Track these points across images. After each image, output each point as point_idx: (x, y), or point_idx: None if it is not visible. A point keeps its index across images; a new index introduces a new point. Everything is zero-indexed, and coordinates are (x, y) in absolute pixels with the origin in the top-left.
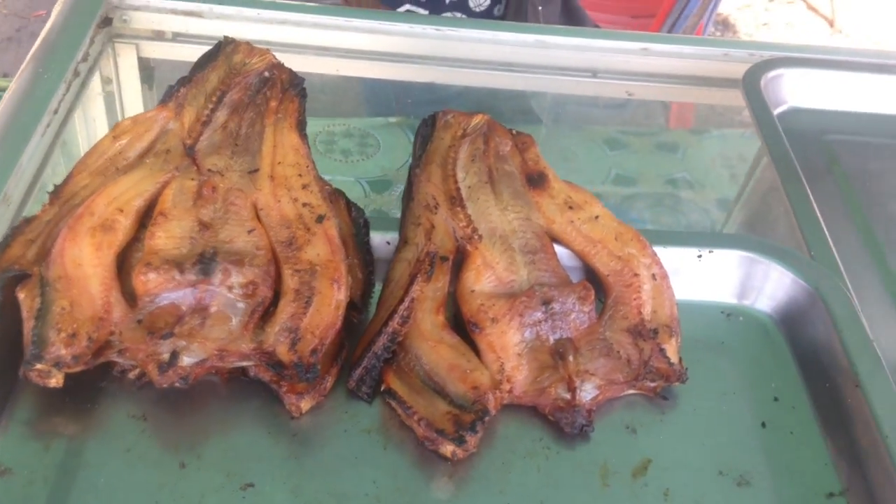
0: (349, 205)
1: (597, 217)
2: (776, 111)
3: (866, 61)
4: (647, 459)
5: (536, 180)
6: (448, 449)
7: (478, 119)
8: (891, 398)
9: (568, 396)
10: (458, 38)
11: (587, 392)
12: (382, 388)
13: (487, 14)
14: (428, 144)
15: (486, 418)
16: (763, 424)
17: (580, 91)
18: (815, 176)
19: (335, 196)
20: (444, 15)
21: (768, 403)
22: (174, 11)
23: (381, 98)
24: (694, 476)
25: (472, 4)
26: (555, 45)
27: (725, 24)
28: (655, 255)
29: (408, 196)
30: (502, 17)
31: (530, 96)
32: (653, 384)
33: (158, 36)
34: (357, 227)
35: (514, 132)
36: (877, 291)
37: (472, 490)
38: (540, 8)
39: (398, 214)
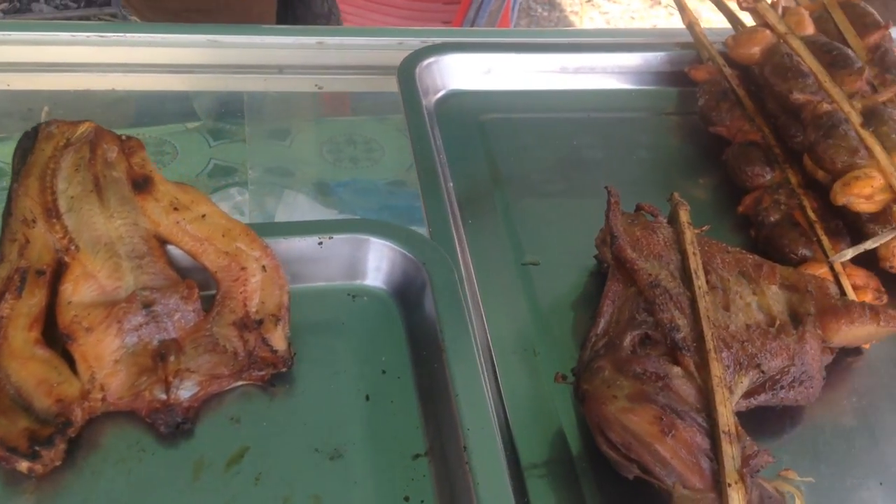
0: None
1: (204, 215)
2: (436, 96)
3: (514, 41)
4: (244, 447)
5: (142, 184)
6: (23, 465)
7: (84, 127)
8: (469, 363)
9: (164, 396)
10: (130, 43)
11: (186, 390)
12: None
13: None
14: (28, 157)
15: (69, 430)
16: (367, 397)
17: (270, 87)
18: (469, 155)
19: None
20: None
21: (376, 377)
22: None
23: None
24: (289, 457)
25: None
26: (231, 45)
27: (551, 3)
28: (266, 247)
29: (7, 212)
30: None
31: (227, 96)
32: (261, 373)
33: None
34: None
35: (123, 137)
36: (499, 263)
37: None
38: None
39: None
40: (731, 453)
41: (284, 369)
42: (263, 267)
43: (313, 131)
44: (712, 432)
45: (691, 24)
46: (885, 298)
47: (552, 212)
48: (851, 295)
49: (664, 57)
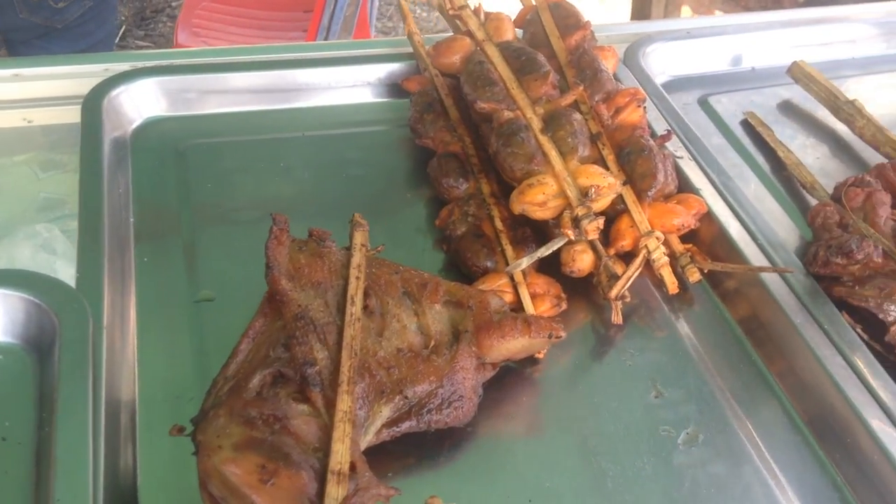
0: None
1: None
2: (133, 125)
3: (218, 62)
4: None
5: None
6: None
7: None
8: (78, 423)
9: None
10: None
11: None
12: None
13: None
14: None
15: None
16: None
17: None
18: (161, 186)
19: None
20: None
21: None
22: None
23: None
24: None
25: None
26: None
27: (430, 3)
28: None
29: None
30: None
31: None
32: None
33: None
34: None
35: None
36: (170, 302)
37: None
38: None
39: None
40: (334, 495)
41: None
42: None
43: None
44: (324, 474)
45: (410, 34)
46: (564, 305)
47: (241, 241)
48: (528, 305)
49: (385, 69)
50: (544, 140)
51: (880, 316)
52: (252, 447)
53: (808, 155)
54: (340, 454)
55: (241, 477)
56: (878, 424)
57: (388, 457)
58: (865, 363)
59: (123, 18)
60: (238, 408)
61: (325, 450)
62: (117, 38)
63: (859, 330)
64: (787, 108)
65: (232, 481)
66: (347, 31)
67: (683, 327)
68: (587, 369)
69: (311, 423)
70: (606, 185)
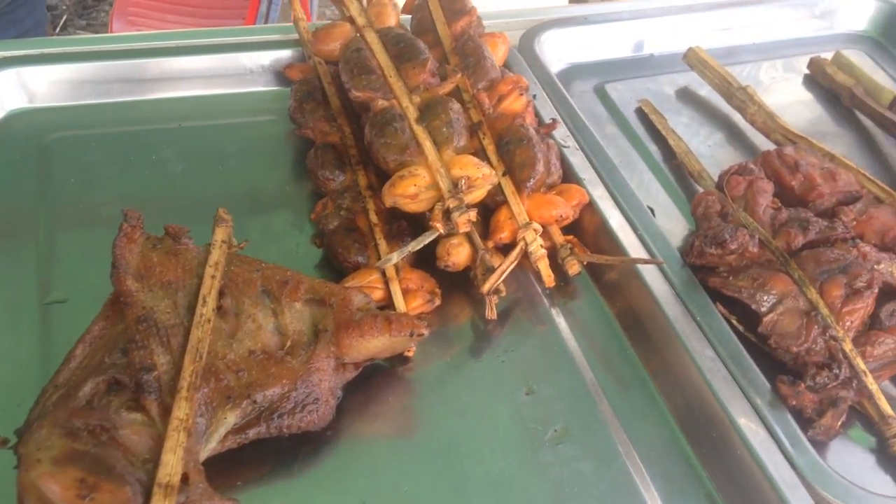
0: None
1: None
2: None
3: (84, 50)
4: None
5: None
6: None
7: None
8: None
9: None
10: None
11: None
12: None
13: None
14: None
15: None
16: None
17: None
18: (20, 182)
19: None
20: None
21: None
22: None
23: None
24: None
25: None
26: None
27: None
28: None
29: None
30: None
31: None
32: None
33: None
34: None
35: None
36: (16, 305)
37: None
38: None
39: None
40: None
41: None
42: None
43: None
44: (151, 487)
45: (296, 20)
46: (437, 301)
47: (102, 240)
48: (398, 301)
49: (270, 56)
50: (419, 130)
51: (753, 306)
52: (73, 460)
53: (702, 143)
54: (171, 465)
55: (58, 493)
56: (745, 422)
57: (241, 465)
58: (735, 357)
59: (65, 7)
60: (62, 418)
61: (156, 461)
62: (58, 28)
63: (734, 321)
64: (685, 95)
65: (48, 497)
66: (286, 18)
67: (562, 322)
68: (460, 366)
69: (142, 433)
70: (480, 175)
